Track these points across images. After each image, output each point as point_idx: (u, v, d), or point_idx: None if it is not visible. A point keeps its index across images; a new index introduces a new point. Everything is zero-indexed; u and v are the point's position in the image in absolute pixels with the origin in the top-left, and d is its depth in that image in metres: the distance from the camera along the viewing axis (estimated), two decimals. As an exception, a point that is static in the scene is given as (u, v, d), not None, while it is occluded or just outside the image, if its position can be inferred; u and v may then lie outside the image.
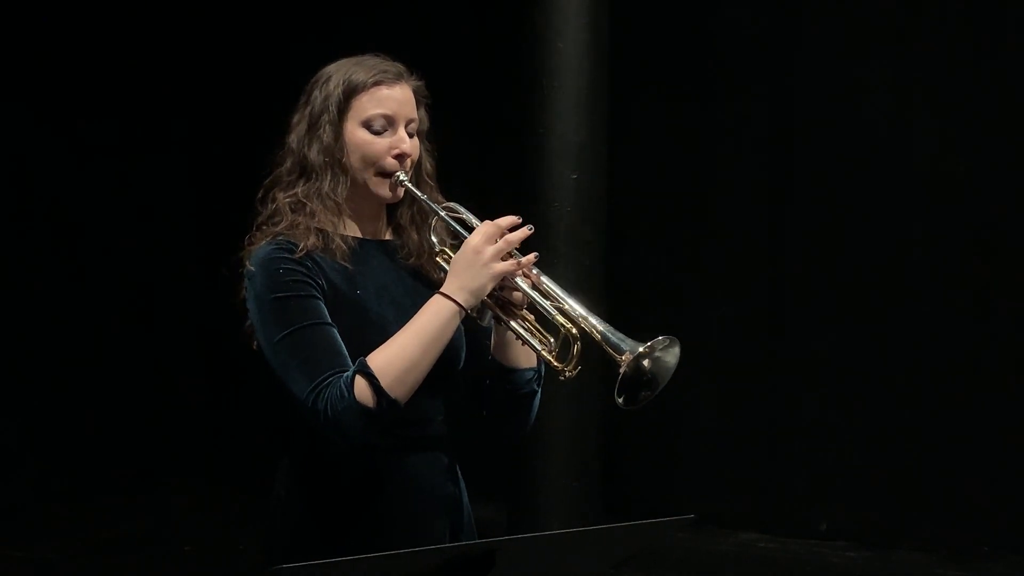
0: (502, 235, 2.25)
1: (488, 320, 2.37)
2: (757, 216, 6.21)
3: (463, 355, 2.41)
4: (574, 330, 2.24)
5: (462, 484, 2.48)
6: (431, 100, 2.47)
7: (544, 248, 5.36)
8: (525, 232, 2.27)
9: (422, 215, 2.44)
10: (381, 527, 2.33)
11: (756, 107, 6.18)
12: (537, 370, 2.41)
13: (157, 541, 6.06)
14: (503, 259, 2.25)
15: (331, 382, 2.20)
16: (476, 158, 6.47)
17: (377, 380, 2.19)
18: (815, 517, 6.09)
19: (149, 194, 7.17)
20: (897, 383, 5.94)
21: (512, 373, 2.39)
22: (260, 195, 2.40)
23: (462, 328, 2.33)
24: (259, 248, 2.31)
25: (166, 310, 7.29)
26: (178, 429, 7.31)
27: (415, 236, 2.44)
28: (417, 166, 2.42)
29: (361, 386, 2.19)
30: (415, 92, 2.42)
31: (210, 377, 7.30)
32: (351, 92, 2.35)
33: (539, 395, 2.44)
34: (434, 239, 2.42)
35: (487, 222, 2.28)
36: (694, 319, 6.31)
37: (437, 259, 2.41)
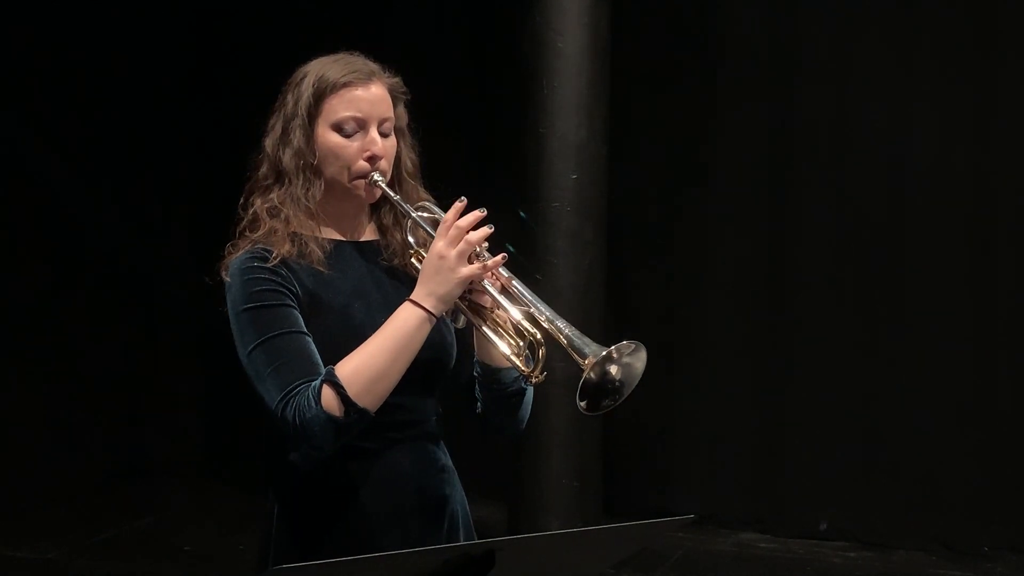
0: (463, 236, 2.20)
1: (463, 322, 2.34)
2: (757, 216, 6.20)
3: (454, 353, 2.39)
4: (539, 335, 2.20)
5: (457, 483, 2.46)
6: (409, 96, 2.42)
7: (544, 248, 5.40)
8: (485, 232, 2.21)
9: (404, 214, 2.40)
10: (375, 528, 2.31)
11: (756, 106, 6.18)
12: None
13: (157, 541, 6.06)
14: (470, 261, 2.21)
15: (300, 391, 2.17)
16: (476, 158, 6.47)
17: (344, 390, 2.15)
18: (815, 517, 6.09)
19: (148, 192, 7.17)
20: (897, 383, 5.94)
21: (497, 373, 2.35)
22: (241, 200, 2.38)
23: (452, 327, 2.31)
24: (235, 257, 2.29)
25: (165, 309, 7.28)
26: (178, 429, 7.31)
27: (398, 236, 2.41)
28: (396, 164, 2.38)
29: (328, 396, 2.15)
30: (391, 89, 2.37)
31: (210, 377, 7.29)
32: (321, 94, 2.31)
33: (529, 394, 2.39)
34: (411, 239, 2.38)
35: (448, 224, 2.21)
36: (694, 319, 6.31)
37: (413, 260, 2.37)
